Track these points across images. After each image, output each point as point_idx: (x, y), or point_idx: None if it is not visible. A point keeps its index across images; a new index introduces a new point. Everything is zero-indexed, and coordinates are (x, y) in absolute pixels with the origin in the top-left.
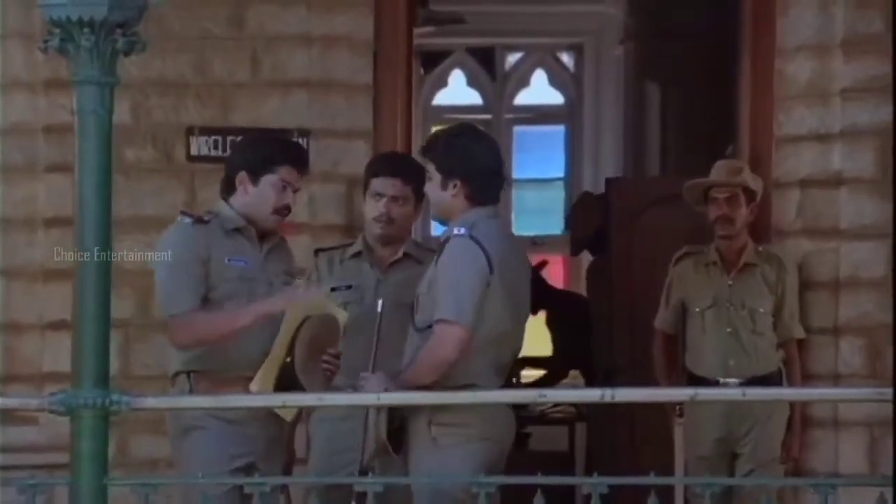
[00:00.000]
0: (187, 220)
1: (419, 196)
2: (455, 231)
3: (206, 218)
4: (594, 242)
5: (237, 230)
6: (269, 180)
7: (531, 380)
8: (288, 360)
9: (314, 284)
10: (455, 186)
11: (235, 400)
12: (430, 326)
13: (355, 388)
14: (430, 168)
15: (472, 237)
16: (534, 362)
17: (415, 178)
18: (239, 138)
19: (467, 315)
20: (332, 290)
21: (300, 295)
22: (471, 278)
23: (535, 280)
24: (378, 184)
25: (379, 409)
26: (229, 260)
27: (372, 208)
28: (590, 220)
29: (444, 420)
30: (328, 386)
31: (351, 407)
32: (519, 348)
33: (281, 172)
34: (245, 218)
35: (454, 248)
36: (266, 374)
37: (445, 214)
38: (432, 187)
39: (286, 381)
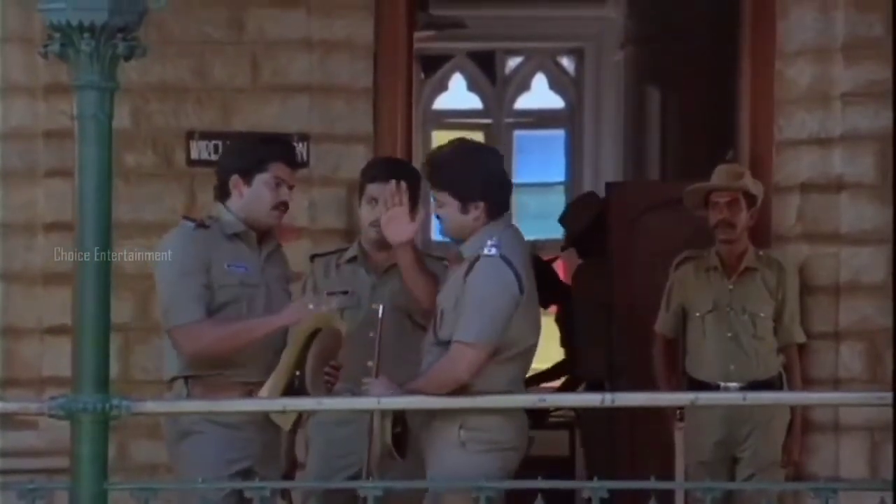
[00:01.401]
0: (190, 224)
1: (414, 202)
2: (485, 251)
3: (206, 223)
4: (581, 242)
5: (237, 235)
6: (261, 179)
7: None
8: (297, 373)
9: (311, 291)
10: (478, 208)
11: (235, 404)
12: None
13: (354, 393)
14: (443, 195)
15: (503, 257)
16: (546, 376)
17: (411, 183)
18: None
19: (487, 339)
20: (329, 294)
21: (310, 311)
22: (500, 302)
23: (547, 274)
24: (374, 189)
25: (383, 414)
26: (229, 266)
27: (368, 213)
28: (579, 217)
29: (475, 425)
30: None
31: (349, 411)
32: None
33: (273, 170)
34: (244, 221)
35: (485, 269)
36: (275, 385)
37: (464, 235)
38: (449, 212)
39: (292, 393)
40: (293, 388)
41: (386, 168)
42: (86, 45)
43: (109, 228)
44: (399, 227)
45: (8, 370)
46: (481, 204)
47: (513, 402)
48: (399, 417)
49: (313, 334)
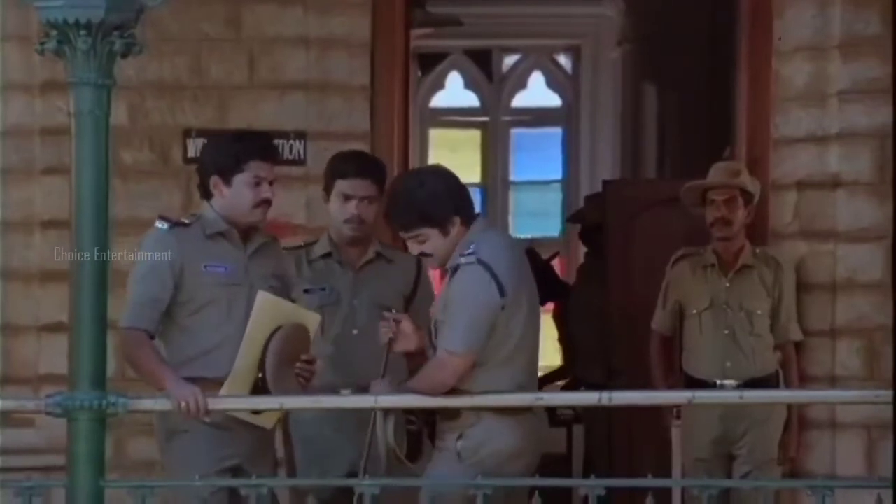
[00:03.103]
0: (164, 225)
1: (381, 194)
2: (461, 259)
3: (187, 220)
4: (588, 237)
5: (220, 234)
6: (241, 179)
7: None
8: (259, 374)
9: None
10: (455, 224)
11: (232, 402)
12: None
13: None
14: (421, 230)
15: (480, 261)
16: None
17: (381, 178)
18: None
19: (468, 347)
20: (305, 291)
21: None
22: (479, 309)
23: (546, 272)
24: (346, 185)
25: (386, 416)
26: (206, 266)
27: (342, 210)
28: (591, 213)
29: (473, 435)
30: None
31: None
32: (538, 353)
33: (251, 169)
34: (227, 220)
35: (463, 277)
36: (234, 387)
37: (451, 255)
38: (433, 243)
39: (258, 394)
40: (258, 392)
41: (358, 164)
42: (82, 43)
43: (106, 226)
44: (405, 340)
45: (5, 368)
46: (456, 219)
47: (509, 400)
48: (416, 415)
49: (272, 333)
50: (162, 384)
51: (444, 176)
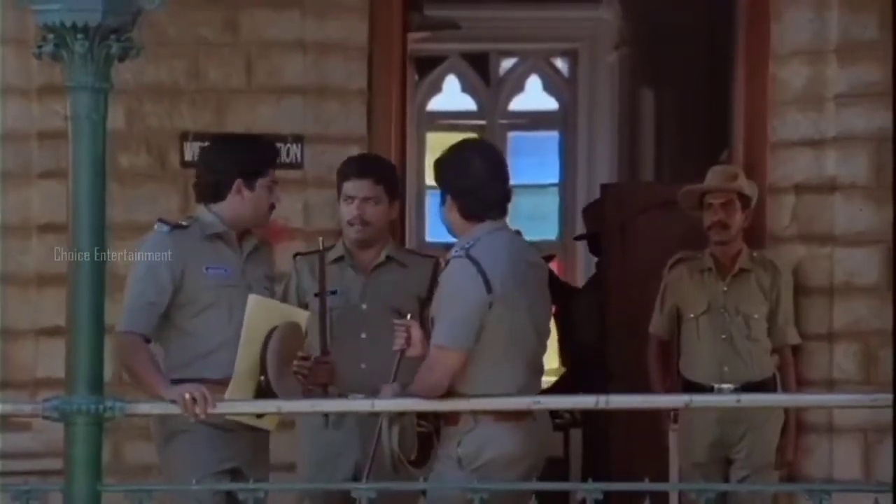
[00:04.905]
0: (164, 228)
1: (392, 196)
2: (453, 252)
3: (185, 223)
4: (595, 246)
5: (218, 236)
6: (262, 184)
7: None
8: (262, 377)
9: (293, 288)
10: (448, 202)
11: (229, 405)
12: None
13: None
14: (447, 196)
15: (468, 256)
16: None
17: (385, 178)
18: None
19: (459, 340)
20: (316, 295)
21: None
22: (464, 302)
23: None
24: (349, 187)
25: (391, 422)
26: (208, 268)
27: (346, 212)
28: (590, 222)
29: (472, 441)
30: (303, 392)
31: (339, 414)
32: (541, 360)
33: (271, 174)
34: (229, 222)
35: (450, 271)
36: (238, 391)
37: (454, 231)
38: (452, 216)
39: (261, 396)
40: (262, 393)
41: (359, 165)
42: (80, 46)
43: (103, 230)
44: (413, 347)
45: (3, 372)
46: (449, 198)
47: (505, 404)
48: (426, 418)
49: (269, 334)
50: (154, 391)
51: (479, 161)
